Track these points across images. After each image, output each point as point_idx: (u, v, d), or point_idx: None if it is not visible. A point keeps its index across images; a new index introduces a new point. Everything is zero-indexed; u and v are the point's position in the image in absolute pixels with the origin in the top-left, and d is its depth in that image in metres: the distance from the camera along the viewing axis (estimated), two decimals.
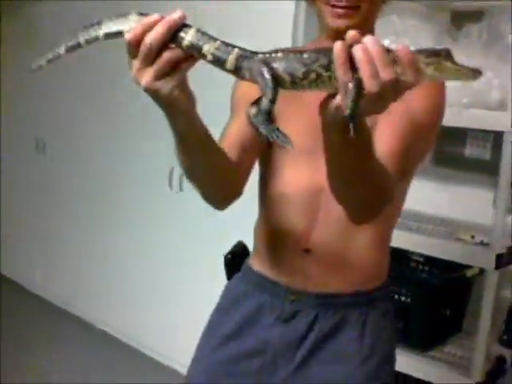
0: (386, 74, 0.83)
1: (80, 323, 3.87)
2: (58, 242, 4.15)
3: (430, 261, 2.24)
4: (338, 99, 0.87)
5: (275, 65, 0.90)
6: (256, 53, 0.92)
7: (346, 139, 0.92)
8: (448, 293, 2.17)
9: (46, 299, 4.20)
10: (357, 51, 0.84)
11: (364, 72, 0.83)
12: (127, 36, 0.90)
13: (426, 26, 2.16)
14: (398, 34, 2.11)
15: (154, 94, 0.93)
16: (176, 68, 0.92)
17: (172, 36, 0.90)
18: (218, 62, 0.92)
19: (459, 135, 2.33)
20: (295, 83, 0.90)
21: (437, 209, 2.41)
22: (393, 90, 0.85)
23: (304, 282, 1.33)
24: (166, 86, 0.92)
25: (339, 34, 1.05)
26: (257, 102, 0.92)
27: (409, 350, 2.16)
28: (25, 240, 4.46)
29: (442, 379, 2.09)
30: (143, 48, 0.89)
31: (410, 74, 0.85)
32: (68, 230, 4.03)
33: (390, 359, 1.41)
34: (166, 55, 0.90)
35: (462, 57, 1.94)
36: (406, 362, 2.08)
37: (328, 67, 0.87)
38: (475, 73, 0.88)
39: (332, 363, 1.33)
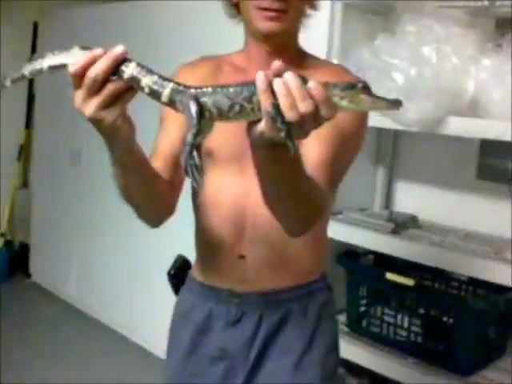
0: (303, 107, 0.90)
1: (115, 335, 3.84)
2: (93, 252, 4.12)
3: (474, 281, 2.14)
4: (261, 125, 0.93)
5: (204, 99, 0.95)
6: (189, 87, 0.97)
7: (273, 157, 0.99)
8: (492, 315, 2.06)
9: (80, 309, 4.19)
10: (276, 84, 0.91)
11: (283, 103, 0.90)
12: (71, 69, 0.97)
13: (469, 33, 2.06)
14: (440, 41, 2.01)
15: (97, 123, 1.00)
16: (118, 99, 0.98)
17: (114, 69, 0.97)
18: (155, 95, 0.98)
19: (504, 149, 2.21)
20: (222, 116, 0.96)
21: (480, 225, 2.29)
22: (312, 120, 0.92)
23: (244, 285, 1.38)
24: (109, 115, 0.99)
25: (269, 38, 1.30)
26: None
27: (450, 375, 2.05)
28: (56, 250, 4.44)
29: None
30: (87, 80, 0.95)
31: (325, 108, 0.91)
32: (104, 241, 4.00)
33: (334, 348, 1.49)
34: (110, 87, 0.97)
35: (508, 65, 1.88)
36: None
37: (250, 100, 0.93)
38: (394, 104, 0.94)
39: (281, 357, 1.40)
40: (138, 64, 0.98)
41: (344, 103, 0.93)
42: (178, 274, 1.56)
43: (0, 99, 4.06)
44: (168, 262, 1.59)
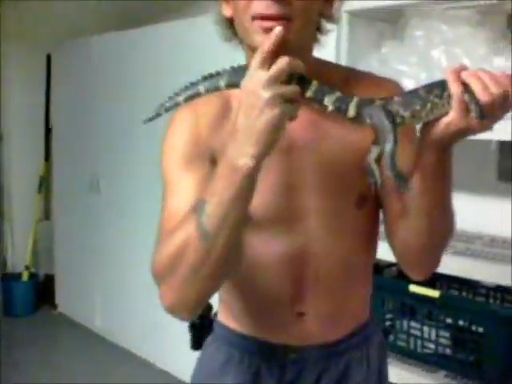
0: (495, 88, 0.92)
1: (141, 363, 3.81)
2: (114, 280, 4.10)
3: (502, 287, 2.07)
4: (449, 117, 0.96)
5: (393, 106, 0.99)
6: (374, 100, 1.00)
7: (442, 160, 1.03)
8: None
9: (106, 338, 4.17)
10: (466, 74, 0.95)
11: (476, 87, 0.93)
12: (267, 44, 0.94)
13: (479, 33, 2.01)
14: (449, 43, 1.97)
15: (277, 117, 0.92)
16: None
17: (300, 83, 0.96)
18: (340, 111, 1.00)
19: None
20: (414, 117, 0.99)
21: (505, 228, 2.22)
22: (501, 105, 0.94)
23: (302, 340, 1.24)
24: (290, 109, 0.94)
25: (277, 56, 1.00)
26: (373, 149, 1.02)
27: None
28: (81, 279, 4.44)
29: None
30: (279, 63, 0.93)
31: None
32: (127, 269, 3.97)
33: None
34: (295, 87, 0.95)
35: None
36: None
37: (441, 95, 0.96)
38: None
39: None
40: (319, 83, 1.00)
41: None
42: (203, 323, 1.37)
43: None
44: None
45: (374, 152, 1.02)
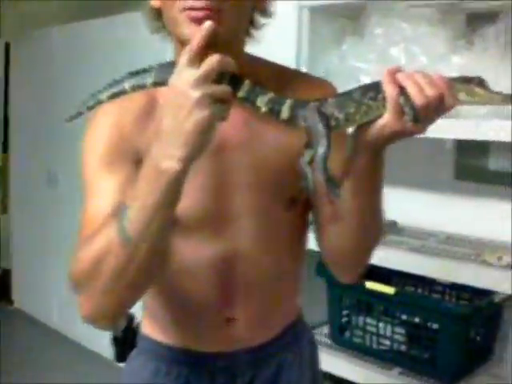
0: (430, 90, 0.91)
1: (100, 360, 3.75)
2: None
3: (456, 286, 2.08)
4: (384, 119, 0.94)
5: (327, 108, 0.96)
6: (308, 101, 0.97)
7: (376, 163, 1.02)
8: (476, 320, 2.01)
9: (63, 334, 4.12)
10: (401, 75, 0.93)
11: (411, 89, 0.91)
12: (195, 41, 0.89)
13: (439, 31, 2.02)
14: (409, 41, 1.97)
15: (206, 119, 0.88)
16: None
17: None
18: (272, 113, 0.97)
19: (481, 147, 2.17)
20: (349, 120, 0.97)
21: (460, 226, 2.24)
22: (436, 108, 0.93)
23: (231, 345, 1.21)
24: (220, 110, 0.90)
25: (207, 50, 0.94)
26: (305, 151, 0.98)
27: (436, 383, 1.99)
28: (38, 274, 4.37)
29: None
30: (209, 62, 0.89)
31: (449, 96, 0.93)
32: None
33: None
34: (225, 87, 0.91)
35: (479, 62, 1.83)
36: None
37: (376, 97, 0.94)
38: (507, 98, 0.97)
39: None
40: (251, 83, 0.97)
41: (461, 96, 0.96)
42: (127, 335, 1.30)
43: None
44: None
45: (307, 155, 0.99)
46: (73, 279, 1.01)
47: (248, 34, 1.15)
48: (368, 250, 1.19)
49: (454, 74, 1.85)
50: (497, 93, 0.97)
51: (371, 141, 0.98)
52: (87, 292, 1.00)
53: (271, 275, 1.19)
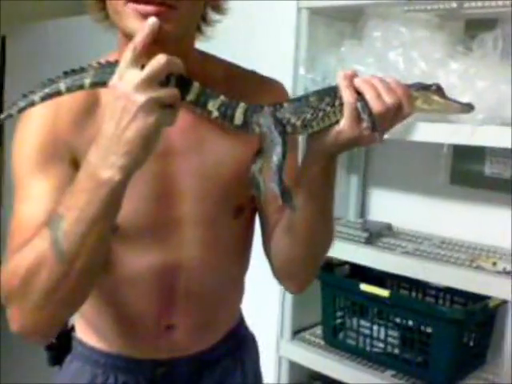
0: (388, 97, 0.89)
1: None
2: None
3: (450, 290, 2.10)
4: (340, 125, 0.91)
5: (283, 114, 0.92)
6: (262, 106, 0.93)
7: (328, 170, 0.99)
8: (470, 325, 2.01)
9: None
10: (359, 81, 0.91)
11: (369, 95, 0.89)
12: (138, 38, 0.83)
13: (437, 36, 2.02)
14: (407, 45, 1.97)
15: (153, 124, 0.81)
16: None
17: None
18: (225, 118, 0.91)
19: (477, 153, 2.18)
20: (305, 126, 0.93)
21: (455, 231, 2.25)
22: (394, 115, 0.91)
23: (171, 352, 1.16)
24: (166, 117, 0.83)
25: (154, 46, 0.86)
26: (257, 158, 0.96)
27: None
28: None
29: None
30: (155, 63, 0.82)
31: (406, 103, 0.91)
32: None
33: None
34: (173, 90, 0.84)
35: (477, 68, 1.84)
36: None
37: (333, 103, 0.92)
38: (465, 107, 0.96)
39: None
40: (201, 85, 0.90)
41: (418, 103, 0.95)
42: (61, 341, 1.21)
43: None
44: None
45: (259, 163, 0.96)
46: (3, 291, 0.93)
47: (199, 30, 1.09)
48: (318, 258, 1.17)
49: (453, 79, 1.89)
50: (455, 101, 0.96)
51: (325, 148, 0.95)
52: (18, 306, 0.92)
53: (214, 283, 1.15)
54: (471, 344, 2.06)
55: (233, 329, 1.27)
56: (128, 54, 0.82)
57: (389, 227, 2.32)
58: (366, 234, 2.22)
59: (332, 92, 0.92)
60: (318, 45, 2.24)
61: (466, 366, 2.05)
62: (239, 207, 1.12)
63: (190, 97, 0.89)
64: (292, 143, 1.03)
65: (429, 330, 2.03)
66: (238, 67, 1.17)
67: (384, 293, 2.05)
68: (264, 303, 2.29)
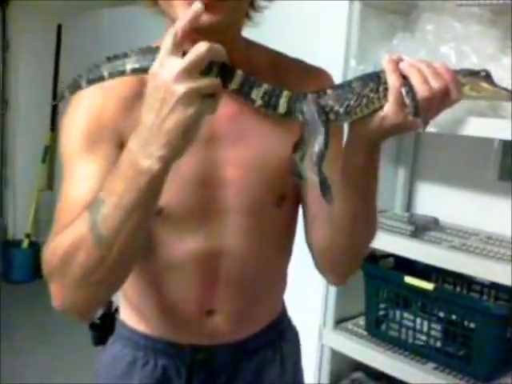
0: (435, 82, 0.86)
1: None
2: None
3: (496, 285, 2.09)
4: (384, 111, 0.88)
5: (326, 101, 0.90)
6: (306, 94, 0.91)
7: (370, 160, 0.96)
8: None
9: None
10: (405, 65, 0.88)
11: (415, 79, 0.86)
12: (179, 24, 0.81)
13: (489, 31, 2.01)
14: (459, 39, 1.97)
15: (194, 115, 0.80)
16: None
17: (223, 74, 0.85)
18: (268, 107, 0.90)
19: None
20: (349, 113, 0.90)
21: (502, 227, 2.23)
22: (441, 101, 0.88)
23: (211, 339, 1.16)
24: (209, 107, 0.82)
25: (198, 34, 0.86)
26: (298, 146, 0.93)
27: (470, 380, 2.01)
28: None
29: None
30: (196, 51, 0.80)
31: (454, 89, 0.88)
32: None
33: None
34: (215, 80, 0.83)
35: None
36: None
37: (377, 89, 0.89)
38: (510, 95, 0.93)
39: None
40: (244, 73, 0.88)
41: (466, 90, 0.92)
42: (105, 321, 1.24)
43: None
44: None
45: (301, 151, 0.93)
46: (45, 266, 0.95)
47: (248, 17, 1.08)
48: (360, 250, 1.15)
49: (504, 74, 1.88)
50: (504, 88, 0.94)
51: (368, 134, 0.92)
52: (58, 282, 0.94)
53: (256, 271, 1.15)
54: None
55: (274, 321, 1.26)
56: (168, 41, 0.81)
57: (435, 221, 2.32)
58: (411, 227, 2.23)
59: (376, 77, 0.90)
60: (369, 37, 2.25)
61: (507, 363, 2.05)
62: (282, 196, 1.12)
63: (233, 86, 0.88)
64: (336, 131, 1.01)
65: (472, 325, 2.03)
66: (283, 55, 1.16)
67: (428, 286, 2.06)
68: (308, 292, 2.32)
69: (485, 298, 2.21)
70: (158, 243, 1.09)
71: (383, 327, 2.26)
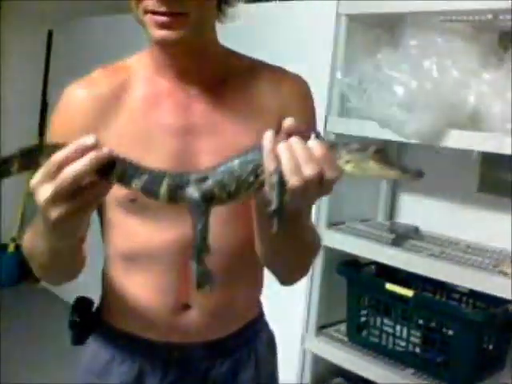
0: (308, 170, 0.82)
1: None
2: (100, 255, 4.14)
3: (474, 293, 2.15)
4: (265, 190, 0.87)
5: (211, 188, 0.89)
6: (188, 174, 0.90)
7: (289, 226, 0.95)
8: (490, 328, 2.07)
9: None
10: (280, 148, 0.84)
11: (285, 167, 0.83)
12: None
13: (471, 47, 2.08)
14: (441, 55, 2.03)
15: (58, 225, 0.86)
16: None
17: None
18: (150, 195, 0.90)
19: (506, 161, 2.22)
20: (232, 196, 0.89)
21: (481, 237, 2.30)
22: (318, 186, 0.84)
23: (186, 336, 1.18)
24: (77, 218, 0.87)
25: (167, 48, 1.04)
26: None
27: None
28: None
29: None
30: (64, 177, 0.84)
31: (329, 170, 0.83)
32: None
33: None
34: (89, 194, 0.87)
35: (508, 79, 1.89)
36: None
37: (256, 173, 0.87)
38: (409, 175, 0.85)
39: None
40: (124, 164, 0.89)
41: (348, 168, 0.85)
42: (85, 319, 1.27)
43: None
44: None
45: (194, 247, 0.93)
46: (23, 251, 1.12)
47: (221, 11, 1.12)
48: (299, 268, 1.20)
49: (485, 88, 1.94)
50: (394, 166, 0.85)
51: (263, 207, 0.92)
52: (31, 263, 1.12)
53: (230, 266, 1.16)
54: (490, 348, 2.11)
55: (250, 322, 1.27)
56: (43, 169, 0.88)
57: (416, 230, 2.38)
58: (392, 236, 2.28)
59: (255, 158, 0.87)
60: (355, 50, 2.31)
61: (484, 369, 2.11)
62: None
63: (113, 179, 0.88)
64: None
65: (450, 331, 2.09)
66: (263, 62, 1.20)
67: (408, 293, 2.11)
68: (291, 298, 2.37)
69: (463, 305, 2.27)
70: (135, 232, 1.13)
71: (364, 333, 2.31)
